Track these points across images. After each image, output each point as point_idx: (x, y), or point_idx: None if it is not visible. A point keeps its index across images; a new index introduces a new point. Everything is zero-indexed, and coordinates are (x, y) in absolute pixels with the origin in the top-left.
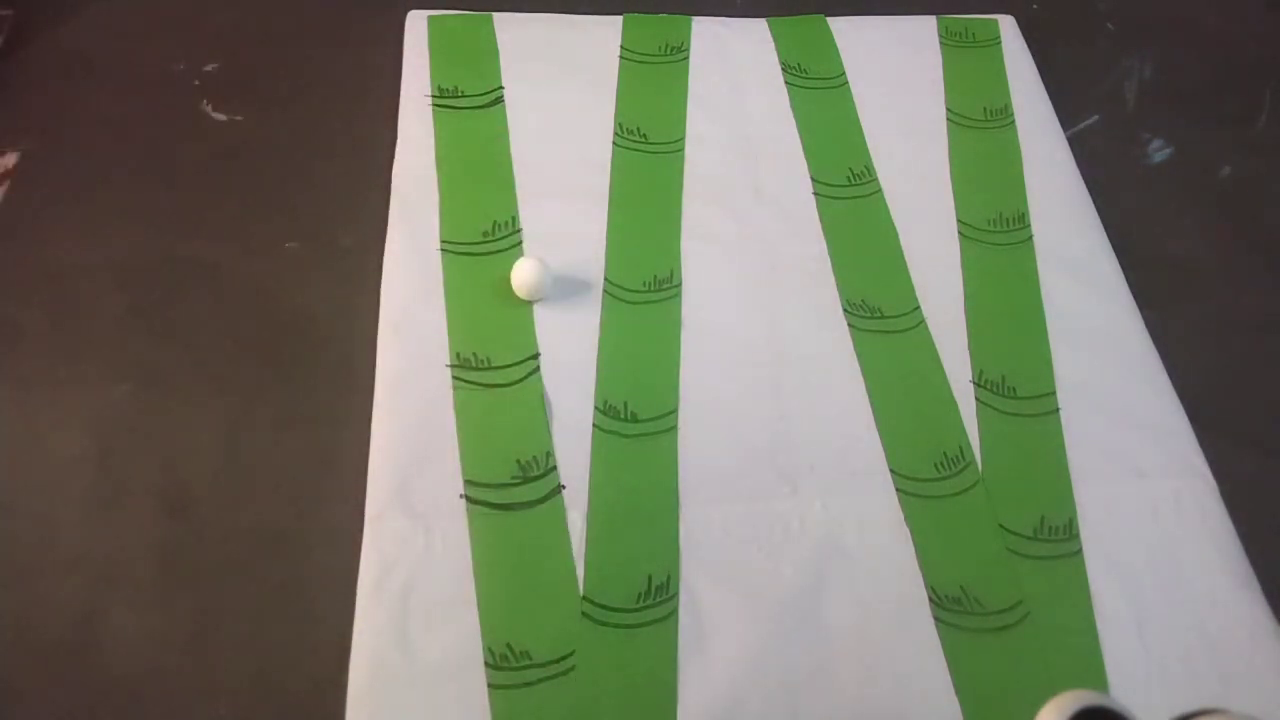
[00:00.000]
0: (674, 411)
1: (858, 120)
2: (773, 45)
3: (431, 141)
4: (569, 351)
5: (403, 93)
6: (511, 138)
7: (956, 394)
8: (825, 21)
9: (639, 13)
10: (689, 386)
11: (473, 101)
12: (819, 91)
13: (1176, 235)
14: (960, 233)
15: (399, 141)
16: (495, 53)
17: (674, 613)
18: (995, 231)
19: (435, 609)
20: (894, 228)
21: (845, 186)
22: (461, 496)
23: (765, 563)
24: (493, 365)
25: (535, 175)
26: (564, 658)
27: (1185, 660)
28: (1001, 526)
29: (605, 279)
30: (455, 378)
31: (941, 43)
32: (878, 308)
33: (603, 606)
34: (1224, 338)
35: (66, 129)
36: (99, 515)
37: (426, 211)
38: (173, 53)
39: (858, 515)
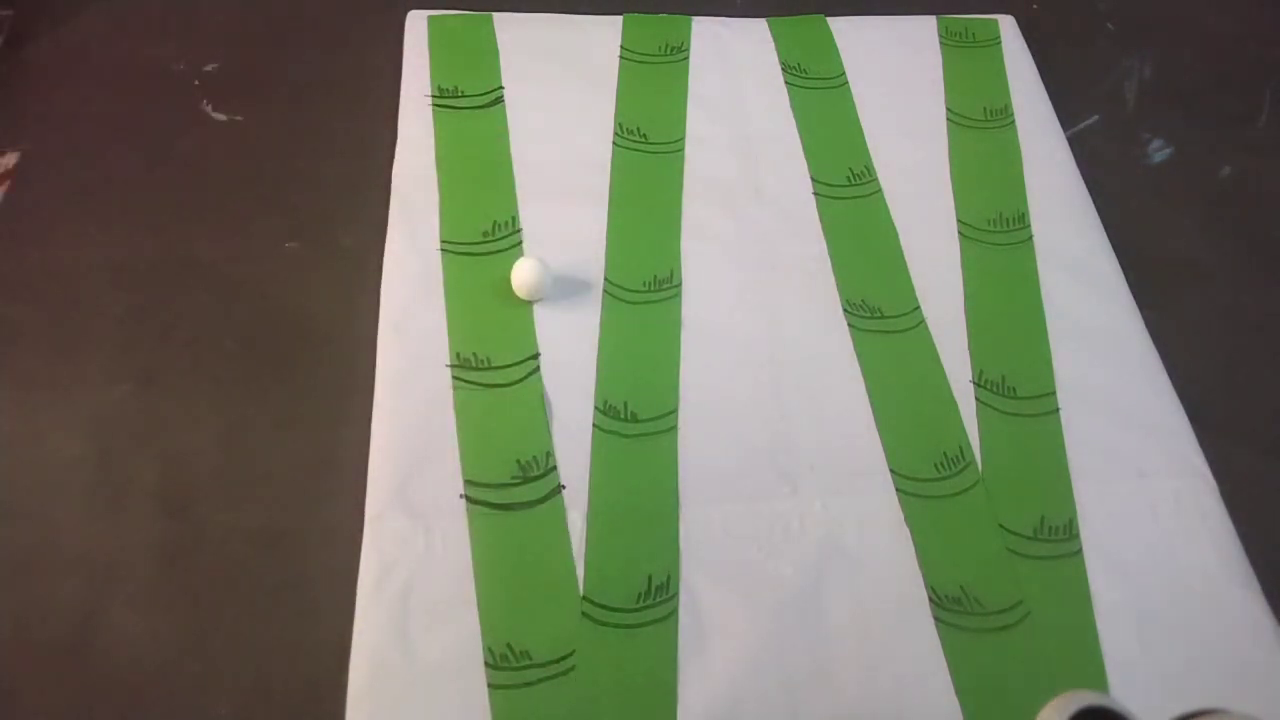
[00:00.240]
0: (674, 411)
1: (858, 120)
2: (773, 45)
3: (431, 141)
4: (569, 351)
5: (403, 93)
6: (511, 138)
7: (956, 394)
8: (825, 21)
9: (639, 13)
10: (689, 386)
11: (473, 101)
12: (819, 91)
13: (1176, 235)
14: (960, 233)
15: (399, 141)
16: (495, 53)
17: (674, 613)
18: (995, 231)
19: (435, 609)
20: (894, 228)
21: (845, 186)
22: (461, 496)
23: (765, 563)
24: (493, 365)
25: (535, 175)
26: (564, 658)
27: (1185, 660)
28: (1001, 526)
29: (605, 279)
30: (455, 378)
31: (941, 43)
32: (878, 308)
33: (603, 606)
34: (1224, 338)
35: (66, 129)
36: (99, 515)
37: (426, 211)
38: (173, 53)
39: (858, 515)
